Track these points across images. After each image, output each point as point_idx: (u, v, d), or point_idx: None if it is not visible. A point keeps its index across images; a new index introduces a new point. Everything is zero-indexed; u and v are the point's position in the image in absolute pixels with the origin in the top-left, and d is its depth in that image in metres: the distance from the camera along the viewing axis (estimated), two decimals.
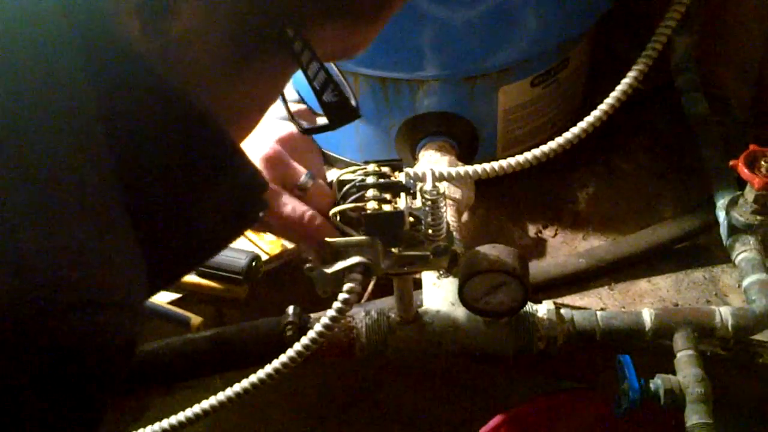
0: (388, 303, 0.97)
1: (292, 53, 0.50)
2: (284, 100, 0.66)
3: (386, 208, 0.77)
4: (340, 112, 0.55)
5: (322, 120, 0.58)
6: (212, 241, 0.52)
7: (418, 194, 0.78)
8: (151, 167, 0.46)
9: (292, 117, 0.66)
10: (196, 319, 1.02)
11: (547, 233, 1.15)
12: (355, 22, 0.52)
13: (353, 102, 0.56)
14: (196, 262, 0.55)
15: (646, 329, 0.91)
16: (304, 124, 0.65)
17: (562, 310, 0.93)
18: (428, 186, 0.77)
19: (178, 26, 0.46)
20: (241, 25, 0.48)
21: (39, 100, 0.40)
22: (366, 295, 1.06)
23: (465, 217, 1.14)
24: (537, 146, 0.92)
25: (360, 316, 0.92)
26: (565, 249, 1.13)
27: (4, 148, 0.38)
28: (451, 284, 0.94)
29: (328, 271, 0.75)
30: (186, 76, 0.48)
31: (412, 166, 0.86)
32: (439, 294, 0.94)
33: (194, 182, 0.48)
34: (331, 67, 0.56)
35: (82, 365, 0.40)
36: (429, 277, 0.96)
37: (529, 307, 0.91)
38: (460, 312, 0.91)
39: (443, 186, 0.79)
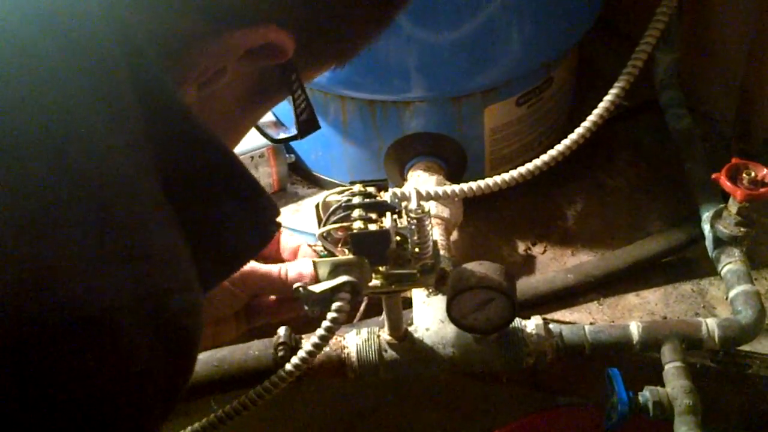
0: (378, 322, 0.98)
1: (289, 90, 0.60)
2: None
3: (372, 227, 0.78)
4: (309, 127, 0.66)
5: (287, 131, 0.70)
6: (240, 254, 0.61)
7: (404, 213, 0.79)
8: (190, 196, 0.53)
9: (261, 130, 0.73)
10: None
11: (536, 250, 1.16)
12: (338, 61, 0.63)
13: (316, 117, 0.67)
14: (227, 271, 0.62)
15: (634, 342, 0.92)
16: (273, 134, 0.73)
17: (551, 325, 0.93)
18: (413, 205, 0.78)
19: (220, 84, 0.55)
20: (262, 77, 0.59)
21: (117, 154, 0.47)
22: (358, 315, 1.07)
23: (454, 235, 1.15)
24: (524, 164, 0.94)
25: (351, 335, 0.93)
26: (555, 265, 1.14)
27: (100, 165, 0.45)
28: (440, 302, 0.94)
29: (316, 290, 0.76)
30: (214, 121, 0.57)
31: (401, 187, 0.87)
32: (428, 312, 0.95)
33: (223, 207, 0.56)
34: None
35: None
36: (419, 296, 0.97)
37: (518, 322, 0.92)
38: (449, 329, 0.91)
39: (430, 205, 0.80)
